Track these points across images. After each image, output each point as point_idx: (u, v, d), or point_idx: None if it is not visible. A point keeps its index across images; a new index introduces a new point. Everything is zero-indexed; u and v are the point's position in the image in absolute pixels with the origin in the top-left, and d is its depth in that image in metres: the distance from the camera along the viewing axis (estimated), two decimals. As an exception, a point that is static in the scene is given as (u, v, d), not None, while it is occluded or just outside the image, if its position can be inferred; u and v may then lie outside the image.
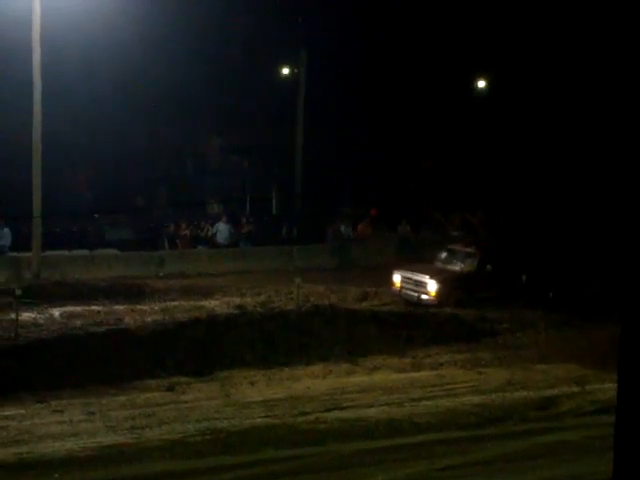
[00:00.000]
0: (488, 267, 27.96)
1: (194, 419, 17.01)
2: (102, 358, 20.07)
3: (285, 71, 44.34)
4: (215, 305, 27.35)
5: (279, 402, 18.27)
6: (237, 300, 28.11)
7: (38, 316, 25.38)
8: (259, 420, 17.00)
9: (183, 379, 19.73)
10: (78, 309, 26.24)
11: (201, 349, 21.09)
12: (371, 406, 17.99)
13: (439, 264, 28.99)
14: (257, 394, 18.93)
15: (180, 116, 44.21)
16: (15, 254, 32.66)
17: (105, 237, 36.31)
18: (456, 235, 39.11)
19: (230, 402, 18.31)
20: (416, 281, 27.83)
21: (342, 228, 38.59)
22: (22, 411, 17.37)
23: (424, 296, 27.37)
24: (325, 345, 22.20)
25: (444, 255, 29.22)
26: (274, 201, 44.72)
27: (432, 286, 27.28)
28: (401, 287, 28.26)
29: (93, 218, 37.11)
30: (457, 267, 28.42)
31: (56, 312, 25.94)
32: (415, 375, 20.70)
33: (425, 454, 14.81)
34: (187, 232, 36.50)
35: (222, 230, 36.83)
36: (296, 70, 41.96)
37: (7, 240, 32.98)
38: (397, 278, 28.46)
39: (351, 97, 45.42)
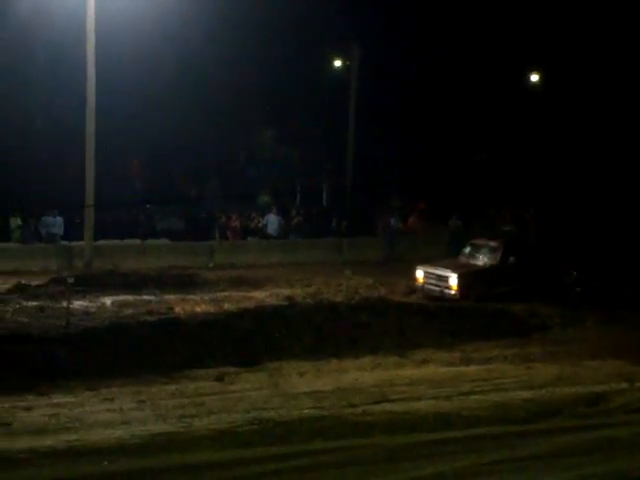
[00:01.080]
0: (512, 259, 27.75)
1: (242, 409, 17.09)
2: (152, 347, 20.21)
3: (337, 63, 44.29)
4: (264, 296, 27.46)
5: (327, 394, 18.29)
6: (286, 291, 28.20)
7: (89, 305, 25.63)
8: (307, 411, 17.03)
9: (232, 369, 19.80)
10: (129, 298, 26.47)
11: (250, 340, 21.17)
12: (419, 399, 17.97)
13: (463, 259, 28.89)
14: (305, 385, 18.96)
15: (232, 107, 44.34)
16: (67, 243, 32.98)
17: (156, 227, 36.54)
18: (507, 230, 38.96)
19: (278, 393, 18.36)
20: (438, 275, 27.68)
21: (392, 221, 38.53)
22: (73, 399, 17.53)
23: (446, 290, 27.31)
24: (374, 338, 22.19)
25: (468, 250, 29.09)
26: (324, 193, 44.76)
27: (453, 280, 27.21)
28: (424, 282, 28.18)
29: (145, 208, 37.35)
30: (480, 261, 28.33)
31: (107, 301, 26.19)
32: (464, 369, 20.64)
33: (473, 448, 14.74)
34: (237, 223, 36.63)
35: (272, 221, 36.92)
36: (348, 62, 41.90)
37: (60, 229, 33.31)
38: (420, 273, 28.35)
39: (403, 89, 45.32)
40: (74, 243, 32.64)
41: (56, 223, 33.29)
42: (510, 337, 23.41)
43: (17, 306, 25.10)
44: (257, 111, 46.36)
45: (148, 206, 37.59)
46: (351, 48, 40.88)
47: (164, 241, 35.41)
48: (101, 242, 32.67)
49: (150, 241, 34.68)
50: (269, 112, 46.64)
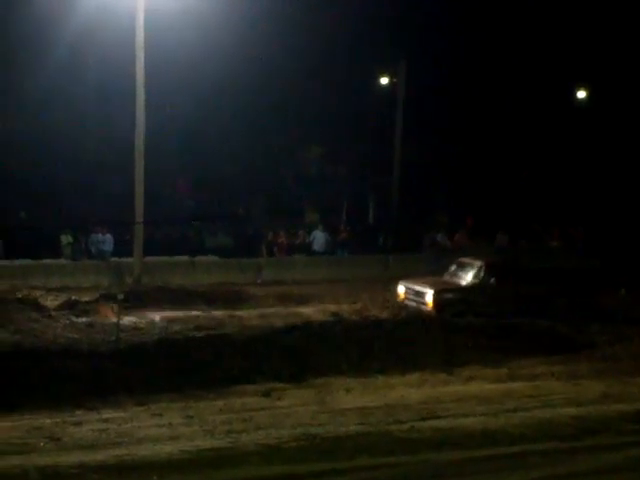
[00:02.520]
0: (492, 281, 27.57)
1: (290, 425, 17.19)
2: (200, 363, 20.37)
3: (384, 80, 44.39)
4: (311, 312, 27.57)
5: (374, 410, 18.35)
6: (333, 307, 28.28)
7: (139, 320, 25.88)
8: (354, 427, 17.10)
9: (279, 385, 19.91)
10: (178, 314, 26.69)
11: (297, 356, 21.26)
12: (466, 416, 17.98)
13: (447, 277, 28.64)
14: (352, 401, 19.03)
15: (279, 124, 44.57)
16: (117, 259, 33.27)
17: (205, 243, 36.78)
18: (555, 246, 38.80)
19: (325, 409, 18.44)
20: (416, 291, 27.59)
21: (438, 237, 38.52)
22: (122, 414, 17.71)
23: (423, 307, 27.13)
24: (420, 354, 22.20)
25: (453, 268, 28.86)
26: (370, 209, 44.82)
27: (429, 297, 27.03)
28: (404, 298, 28.05)
29: (193, 225, 37.62)
30: (462, 280, 28.04)
31: (156, 317, 26.43)
32: (511, 386, 20.61)
33: (520, 465, 14.77)
34: (284, 240, 36.78)
35: (319, 238, 37.02)
36: (395, 80, 41.99)
37: (109, 246, 33.62)
38: (401, 289, 28.32)
39: (449, 106, 45.32)
40: (124, 259, 32.92)
41: (106, 240, 33.60)
42: (557, 354, 23.33)
43: (67, 322, 25.39)
44: (304, 128, 46.54)
45: (196, 223, 37.85)
46: (398, 65, 40.99)
47: (212, 258, 35.61)
48: (150, 258, 32.93)
49: (199, 258, 34.89)
50: (316, 129, 46.81)
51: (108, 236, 33.64)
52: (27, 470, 14.32)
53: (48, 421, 16.98)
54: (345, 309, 27.95)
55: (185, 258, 34.48)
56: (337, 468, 14.75)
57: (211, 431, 16.72)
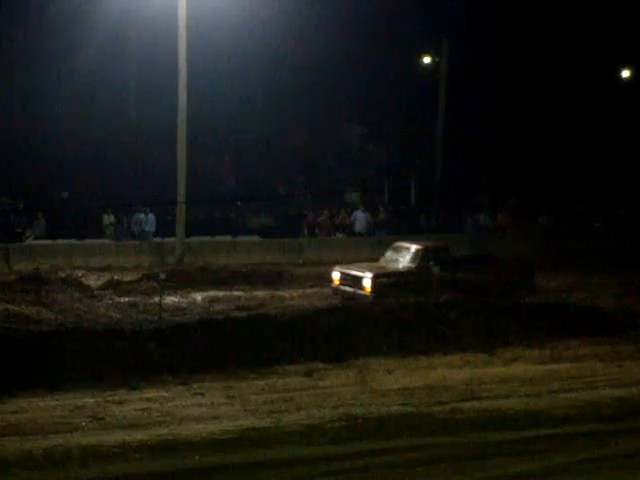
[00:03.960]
0: (431, 266, 26.79)
1: (331, 405, 17.18)
2: (242, 343, 20.39)
3: (426, 60, 44.16)
4: (352, 293, 27.49)
5: (416, 390, 18.30)
6: (373, 288, 28.19)
7: (181, 300, 25.98)
8: (395, 408, 17.07)
9: (321, 365, 19.90)
10: (220, 294, 26.75)
11: (338, 336, 21.22)
12: (509, 397, 17.89)
13: (383, 262, 27.93)
14: (394, 382, 18.99)
15: (322, 105, 44.50)
16: (159, 239, 33.42)
17: (246, 224, 36.84)
18: (598, 227, 38.48)
19: (367, 389, 18.42)
20: (353, 277, 26.63)
21: (481, 218, 38.31)
22: (164, 393, 17.79)
23: (359, 292, 26.22)
24: (462, 335, 22.11)
25: (390, 252, 28.13)
26: (412, 190, 44.64)
27: (367, 282, 26.17)
28: (340, 283, 27.05)
29: (236, 205, 37.67)
30: (399, 265, 27.31)
31: (198, 296, 26.51)
32: (554, 367, 20.46)
33: (564, 446, 14.66)
34: (326, 220, 36.75)
35: (360, 218, 36.95)
36: (437, 59, 41.76)
37: (152, 226, 33.77)
38: (336, 275, 27.29)
39: (492, 85, 45.02)
40: (166, 240, 33.08)
41: (148, 220, 33.76)
42: (601, 335, 23.12)
43: (110, 301, 25.54)
44: (346, 108, 46.42)
45: (239, 203, 37.91)
46: (440, 44, 40.75)
47: (254, 238, 35.69)
48: (192, 239, 33.04)
49: (240, 238, 34.98)
50: (358, 109, 46.68)
51: (150, 216, 33.78)
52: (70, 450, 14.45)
53: (91, 400, 17.09)
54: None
55: (227, 238, 34.58)
56: (379, 449, 14.72)
57: (253, 411, 16.75)
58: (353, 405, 17.16)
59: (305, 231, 36.48)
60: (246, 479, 13.63)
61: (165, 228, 33.52)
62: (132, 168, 39.66)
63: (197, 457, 14.27)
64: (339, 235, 37.08)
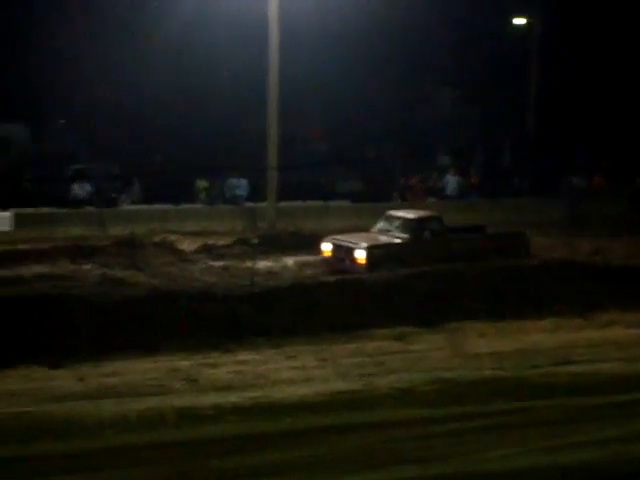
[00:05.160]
0: (426, 235, 25.74)
1: (423, 369, 17.19)
2: (333, 306, 20.44)
3: (520, 21, 43.49)
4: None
5: (508, 355, 18.21)
6: (466, 251, 27.99)
7: (273, 264, 26.12)
8: (488, 372, 17.01)
9: (412, 329, 19.88)
10: (311, 258, 26.80)
11: (430, 300, 21.16)
12: (602, 361, 17.70)
13: (376, 232, 26.60)
14: (486, 346, 18.91)
15: (413, 68, 44.22)
16: (252, 204, 33.61)
17: (337, 188, 36.85)
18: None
19: (459, 353, 18.37)
20: (345, 248, 25.25)
21: (575, 180, 37.75)
22: (257, 356, 17.96)
23: (352, 264, 24.82)
24: (556, 299, 21.86)
25: (382, 222, 26.91)
26: (505, 152, 44.18)
27: (360, 253, 24.74)
28: (331, 254, 25.80)
29: (327, 170, 37.69)
30: (395, 235, 25.91)
31: (290, 261, 26.62)
32: (650, 331, 20.18)
33: (659, 411, 14.52)
34: (417, 184, 36.58)
35: (451, 182, 36.71)
36: (531, 20, 41.13)
37: (244, 191, 33.98)
38: (327, 246, 26.00)
39: (587, 45, 44.21)
40: (258, 204, 33.25)
41: (241, 185, 33.97)
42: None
43: (203, 266, 25.78)
44: (438, 72, 46.07)
45: (330, 168, 37.93)
46: (533, 4, 40.13)
47: (345, 202, 35.68)
48: (284, 204, 33.17)
49: (331, 202, 34.99)
50: (450, 72, 46.29)
51: (243, 181, 34.00)
52: (165, 412, 14.67)
53: (185, 363, 17.32)
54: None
55: (318, 203, 34.64)
56: (471, 412, 14.71)
57: (344, 374, 16.82)
58: (445, 369, 17.14)
59: (396, 195, 36.34)
60: (338, 442, 13.71)
61: (257, 193, 33.69)
62: (224, 133, 39.88)
63: (289, 420, 14.41)
64: (430, 199, 36.87)
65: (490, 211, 34.89)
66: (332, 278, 23.01)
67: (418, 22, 42.55)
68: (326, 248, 26.01)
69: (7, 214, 30.06)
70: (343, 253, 25.27)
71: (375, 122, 44.06)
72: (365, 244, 24.96)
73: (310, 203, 34.70)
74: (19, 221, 30.10)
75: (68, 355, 17.32)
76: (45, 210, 31.72)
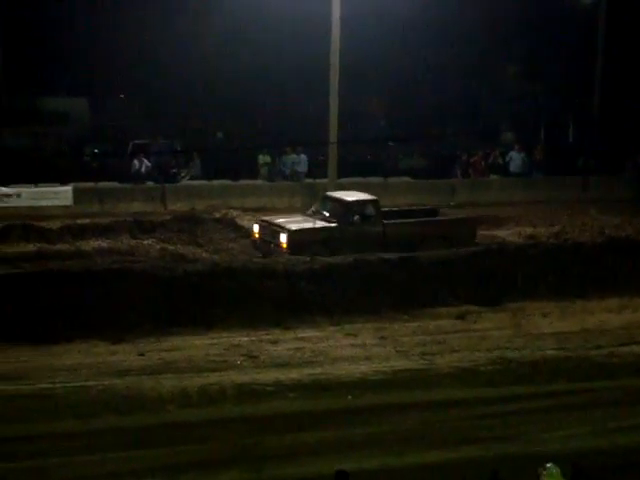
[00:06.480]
0: (356, 219, 24.13)
1: (485, 348, 17.07)
2: (393, 284, 20.33)
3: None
4: (506, 235, 27.07)
5: (571, 335, 18.04)
6: (529, 230, 27.69)
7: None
8: (551, 352, 16.86)
9: (474, 308, 19.75)
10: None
11: (492, 279, 20.96)
12: (669, 342, 17.47)
13: (309, 213, 25.13)
14: (549, 326, 18.74)
15: (477, 43, 43.77)
16: (311, 180, 33.52)
17: (398, 164, 36.61)
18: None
19: (521, 333, 18.22)
20: (272, 230, 23.90)
21: (640, 159, 37.17)
22: (317, 333, 17.95)
23: (276, 247, 23.56)
24: (621, 279, 21.54)
25: (317, 204, 25.60)
26: (570, 129, 43.58)
27: (283, 237, 23.39)
28: (259, 236, 24.51)
29: (387, 146, 37.44)
30: (325, 219, 24.28)
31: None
32: None
33: None
34: (479, 160, 36.22)
35: (515, 158, 36.25)
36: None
37: (304, 167, 33.88)
38: (256, 227, 24.71)
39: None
40: (318, 180, 33.14)
41: (300, 161, 33.86)
42: None
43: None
44: (502, 47, 45.56)
45: (390, 144, 37.68)
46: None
47: (406, 179, 35.44)
48: (344, 179, 33.01)
49: (392, 179, 34.78)
50: (513, 47, 45.76)
51: (302, 157, 33.88)
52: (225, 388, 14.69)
53: (246, 339, 17.36)
54: (542, 232, 27.30)
55: (378, 179, 34.42)
56: (534, 392, 14.62)
57: (405, 352, 16.75)
58: (507, 349, 17.02)
59: (458, 172, 36.02)
60: (398, 421, 13.65)
61: (317, 169, 33.57)
62: (284, 109, 39.79)
63: (349, 397, 14.37)
64: (493, 176, 36.50)
65: (554, 189, 34.48)
66: (392, 255, 22.76)
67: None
68: (255, 229, 24.77)
69: (67, 188, 30.25)
70: (269, 235, 24.02)
71: (437, 98, 43.69)
72: (288, 228, 23.65)
73: (370, 179, 34.49)
74: (79, 196, 30.25)
75: (130, 330, 17.41)
76: (105, 185, 31.89)
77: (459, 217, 25.81)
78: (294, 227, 23.69)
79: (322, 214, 24.51)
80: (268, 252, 23.48)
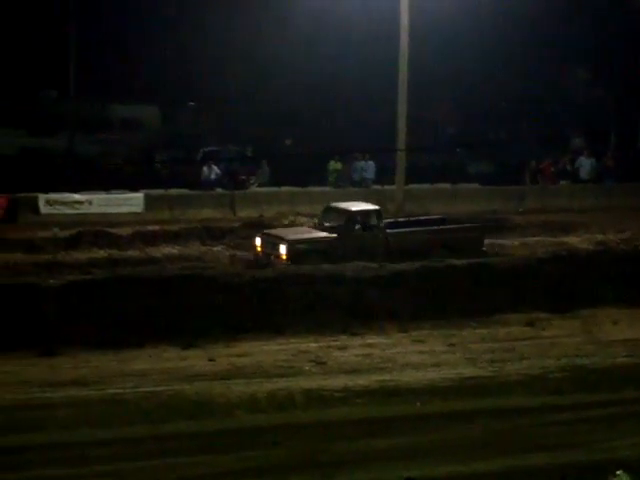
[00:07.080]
0: (358, 229, 24.11)
1: (554, 355, 16.97)
2: (462, 291, 20.27)
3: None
4: (576, 242, 26.86)
5: (642, 342, 17.86)
6: (599, 237, 27.45)
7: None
8: (621, 359, 16.73)
9: (543, 315, 19.63)
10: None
11: (561, 286, 20.82)
12: None
13: (313, 225, 25.42)
14: (619, 333, 18.57)
15: (545, 49, 43.48)
16: (379, 187, 33.52)
17: (467, 171, 36.49)
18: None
19: (591, 340, 18.07)
20: (272, 242, 23.78)
21: None
22: (385, 340, 17.97)
23: (276, 259, 23.41)
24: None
25: (321, 215, 25.53)
26: (640, 136, 43.10)
27: (283, 248, 23.22)
28: (261, 249, 24.21)
29: (456, 152, 37.34)
30: (326, 230, 24.26)
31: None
32: None
33: None
34: (549, 167, 35.98)
35: (585, 165, 35.97)
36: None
37: (372, 173, 33.91)
38: (258, 241, 24.38)
39: None
40: (385, 187, 33.14)
41: (368, 167, 33.89)
42: None
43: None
44: (571, 53, 45.22)
45: (459, 150, 37.57)
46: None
47: (474, 185, 35.32)
48: (412, 186, 32.99)
49: (460, 185, 34.69)
50: (584, 53, 45.38)
51: (370, 163, 33.91)
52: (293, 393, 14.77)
53: (314, 345, 17.43)
54: (612, 239, 27.07)
55: (447, 186, 34.36)
56: (603, 400, 14.47)
57: (474, 360, 16.70)
58: (577, 356, 16.91)
59: (527, 179, 35.81)
60: (466, 427, 13.62)
61: (385, 175, 33.57)
62: (353, 115, 39.85)
63: (418, 404, 14.36)
64: (563, 182, 36.22)
65: (625, 195, 34.09)
66: (460, 262, 22.68)
67: (550, 2, 41.79)
68: (257, 243, 24.48)
69: (138, 195, 30.60)
70: (270, 247, 23.86)
71: (507, 104, 43.46)
72: (288, 239, 23.59)
73: (439, 186, 34.45)
74: (150, 202, 30.58)
75: (199, 335, 17.57)
76: (175, 192, 32.19)
77: (465, 226, 25.75)
78: (293, 237, 23.78)
79: (324, 225, 24.64)
80: (268, 265, 23.23)
